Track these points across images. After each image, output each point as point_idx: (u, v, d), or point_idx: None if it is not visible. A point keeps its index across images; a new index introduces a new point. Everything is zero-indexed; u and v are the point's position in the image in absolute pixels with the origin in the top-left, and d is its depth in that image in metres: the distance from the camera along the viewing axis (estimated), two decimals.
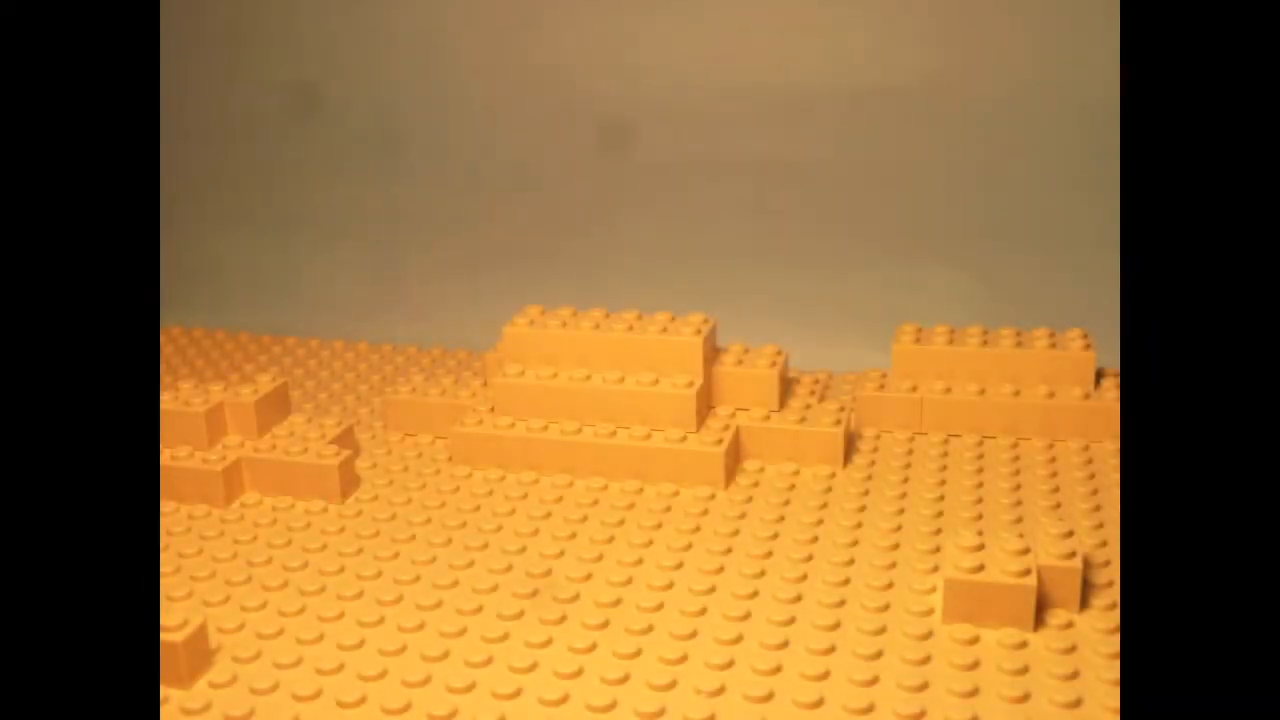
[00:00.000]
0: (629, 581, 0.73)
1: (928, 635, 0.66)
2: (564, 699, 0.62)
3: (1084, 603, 0.68)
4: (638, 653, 0.66)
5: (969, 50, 1.15)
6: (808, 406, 0.91)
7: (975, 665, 0.64)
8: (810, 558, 0.75)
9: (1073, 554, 0.68)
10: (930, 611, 0.69)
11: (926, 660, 0.64)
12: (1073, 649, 0.65)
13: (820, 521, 0.79)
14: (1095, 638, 0.66)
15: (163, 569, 0.76)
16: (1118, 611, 0.68)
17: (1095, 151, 1.11)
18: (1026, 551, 0.68)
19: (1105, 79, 1.05)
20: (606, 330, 0.90)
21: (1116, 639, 0.65)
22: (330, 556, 0.77)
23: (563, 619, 0.69)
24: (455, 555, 0.76)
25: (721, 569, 0.74)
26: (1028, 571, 0.67)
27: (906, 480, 0.85)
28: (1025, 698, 0.61)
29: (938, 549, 0.75)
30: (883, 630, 0.67)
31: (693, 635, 0.67)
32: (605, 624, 0.69)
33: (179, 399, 0.89)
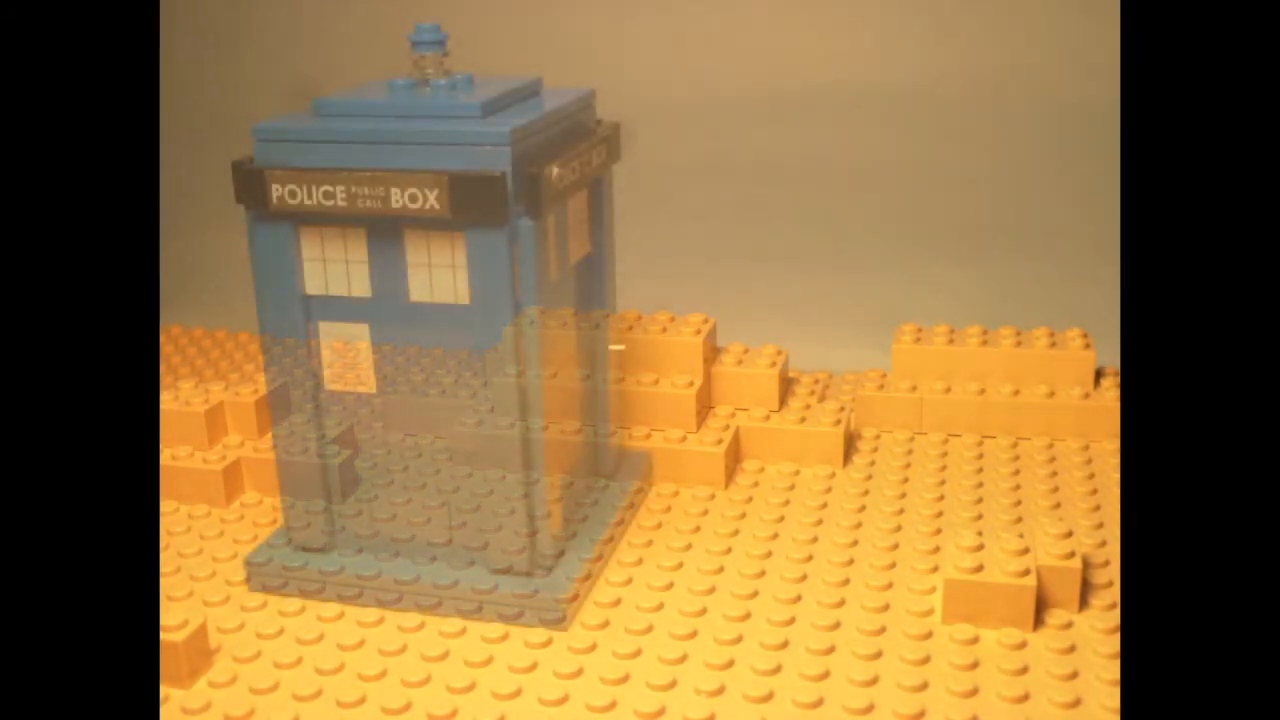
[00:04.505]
0: (629, 581, 0.73)
1: (927, 635, 0.66)
2: (564, 699, 0.62)
3: (1084, 603, 0.68)
4: (638, 653, 0.66)
5: (970, 51, 1.15)
6: (808, 406, 0.91)
7: (975, 665, 0.64)
8: (810, 558, 0.75)
9: (1072, 554, 0.68)
10: (930, 611, 0.69)
11: (926, 660, 0.64)
12: (1072, 649, 0.65)
13: (820, 521, 0.79)
14: (1095, 638, 0.66)
15: (163, 569, 0.76)
16: (1118, 611, 0.68)
17: (1096, 152, 1.11)
18: (1026, 551, 0.68)
19: (1106, 79, 1.06)
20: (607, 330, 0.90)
21: (1116, 639, 0.65)
22: (330, 556, 0.77)
23: (563, 619, 0.69)
24: (456, 555, 0.76)
25: (721, 569, 0.74)
26: (1027, 571, 0.67)
27: (906, 480, 0.85)
28: (1025, 698, 0.61)
29: (937, 549, 0.75)
30: (882, 630, 0.67)
31: (693, 635, 0.67)
32: (605, 624, 0.69)
33: (179, 399, 0.89)
